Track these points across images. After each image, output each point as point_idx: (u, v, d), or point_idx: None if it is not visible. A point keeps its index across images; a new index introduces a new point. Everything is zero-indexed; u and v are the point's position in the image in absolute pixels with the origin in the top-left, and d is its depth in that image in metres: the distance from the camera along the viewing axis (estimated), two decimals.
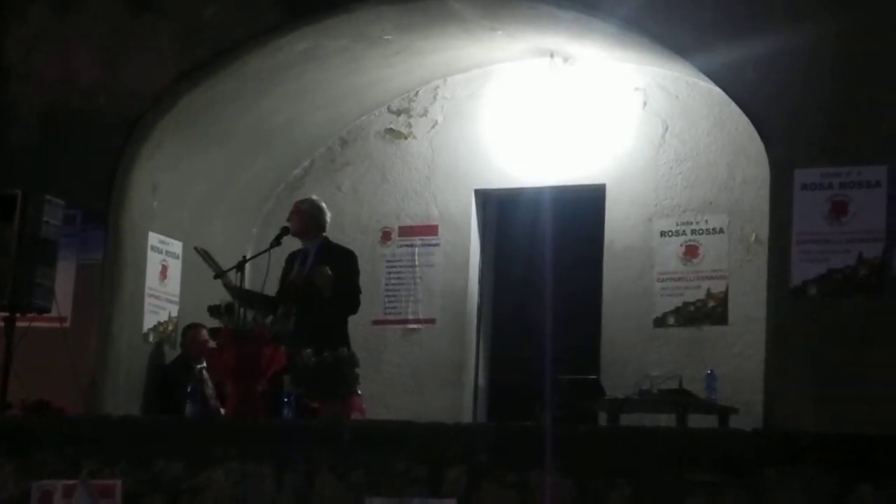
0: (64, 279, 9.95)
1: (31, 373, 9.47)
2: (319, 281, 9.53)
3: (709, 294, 10.90)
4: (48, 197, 9.37)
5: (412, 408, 10.74)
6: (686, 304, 10.94)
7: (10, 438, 7.83)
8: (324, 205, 10.03)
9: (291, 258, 9.89)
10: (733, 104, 9.78)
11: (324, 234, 9.95)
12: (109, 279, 10.55)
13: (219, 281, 9.17)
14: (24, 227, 9.19)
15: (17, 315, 9.21)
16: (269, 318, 8.46)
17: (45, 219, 9.31)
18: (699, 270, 10.95)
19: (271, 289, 9.72)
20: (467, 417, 11.26)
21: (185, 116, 10.85)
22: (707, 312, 10.88)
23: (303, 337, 8.73)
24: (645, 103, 11.33)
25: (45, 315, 9.41)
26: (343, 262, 9.81)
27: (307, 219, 9.90)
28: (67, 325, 10.01)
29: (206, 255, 9.24)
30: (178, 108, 10.75)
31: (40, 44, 10.96)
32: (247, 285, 9.38)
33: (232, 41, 10.54)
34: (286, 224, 9.83)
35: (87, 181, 10.51)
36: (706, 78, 9.91)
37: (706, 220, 11.00)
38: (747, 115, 9.57)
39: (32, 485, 7.46)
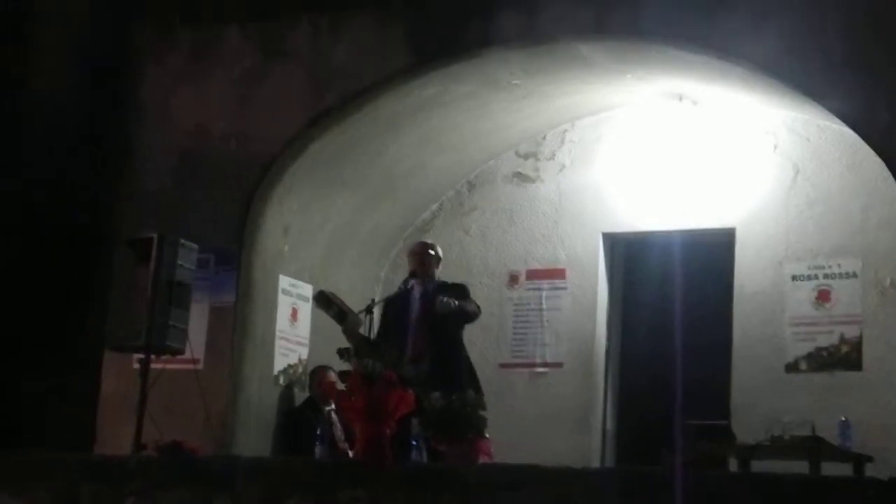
0: (197, 321, 10.07)
1: (165, 414, 9.62)
2: (440, 310, 9.57)
3: (842, 339, 10.73)
4: (183, 240, 9.51)
5: (539, 451, 10.62)
6: (818, 349, 10.78)
7: (143, 479, 7.95)
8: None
9: (391, 302, 9.95)
10: (866, 146, 9.64)
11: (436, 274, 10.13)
12: (241, 322, 10.67)
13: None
14: (159, 271, 9.32)
15: (152, 357, 9.34)
16: (398, 365, 8.50)
17: (179, 262, 9.44)
18: (832, 315, 10.79)
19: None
20: (595, 462, 11.19)
21: (316, 160, 10.97)
22: (840, 358, 10.71)
23: (431, 380, 8.76)
24: (775, 146, 11.23)
25: (179, 357, 9.53)
26: (461, 288, 10.05)
27: (434, 259, 10.06)
28: (200, 366, 10.14)
29: (329, 301, 9.26)
30: (308, 152, 10.88)
31: (176, 89, 11.16)
32: (375, 328, 9.43)
33: (361, 86, 10.65)
34: (414, 269, 9.92)
35: (220, 224, 10.66)
36: (838, 120, 9.79)
37: (839, 265, 10.85)
38: (881, 156, 9.43)
39: None
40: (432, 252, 10.11)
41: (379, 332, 9.70)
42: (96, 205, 10.94)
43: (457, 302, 9.69)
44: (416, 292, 9.92)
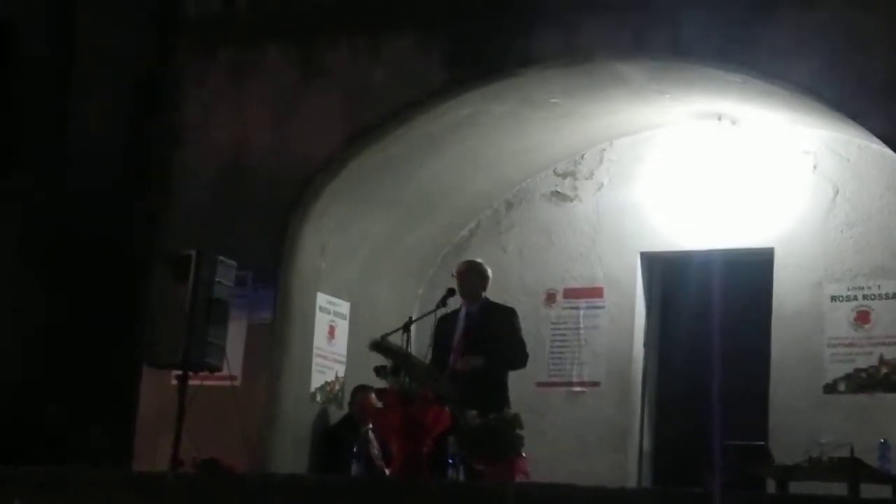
0: (235, 338, 10.08)
1: (202, 431, 9.65)
2: (462, 368, 9.49)
3: (881, 360, 10.67)
4: (221, 258, 9.53)
5: (576, 471, 10.65)
6: (857, 370, 10.72)
7: (181, 495, 7.97)
8: (489, 268, 10.09)
9: (443, 321, 9.89)
10: None
11: (484, 294, 9.99)
12: (279, 339, 10.70)
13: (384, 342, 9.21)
14: (197, 288, 9.34)
15: (190, 374, 9.37)
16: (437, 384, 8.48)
17: (218, 279, 9.45)
18: (871, 336, 10.74)
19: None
20: (632, 482, 11.16)
21: (354, 179, 11.01)
22: (880, 379, 10.65)
23: (467, 398, 8.75)
24: (815, 166, 11.19)
25: (217, 374, 9.54)
26: (506, 319, 9.88)
27: (479, 279, 9.96)
28: (238, 383, 10.17)
29: (386, 348, 9.21)
30: (346, 170, 10.91)
31: (215, 107, 11.23)
32: (412, 346, 9.43)
33: (399, 105, 10.68)
34: (451, 287, 9.86)
35: (259, 242, 10.70)
36: (878, 140, 9.75)
37: (878, 286, 10.79)
38: None
39: None
40: (476, 272, 9.99)
41: (432, 351, 9.67)
42: (137, 222, 11.01)
43: (481, 360, 9.52)
44: (462, 312, 9.89)
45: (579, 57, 10.23)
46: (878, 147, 10.33)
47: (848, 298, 10.88)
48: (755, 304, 11.20)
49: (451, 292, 9.68)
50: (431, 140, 11.05)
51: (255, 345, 10.60)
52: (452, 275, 10.10)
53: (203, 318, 9.33)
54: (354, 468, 8.83)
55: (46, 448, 10.04)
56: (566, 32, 10.19)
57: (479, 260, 10.25)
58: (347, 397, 11.09)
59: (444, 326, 9.86)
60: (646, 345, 11.66)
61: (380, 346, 9.00)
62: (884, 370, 10.66)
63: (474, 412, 8.41)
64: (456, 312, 9.90)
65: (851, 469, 8.93)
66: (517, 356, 9.85)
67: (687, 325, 11.47)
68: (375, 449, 10.44)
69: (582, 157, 11.96)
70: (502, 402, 9.24)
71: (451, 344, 9.77)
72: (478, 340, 9.67)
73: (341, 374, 11.22)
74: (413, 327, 9.38)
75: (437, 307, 9.54)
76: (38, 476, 8.43)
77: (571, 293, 11.78)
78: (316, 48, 10.98)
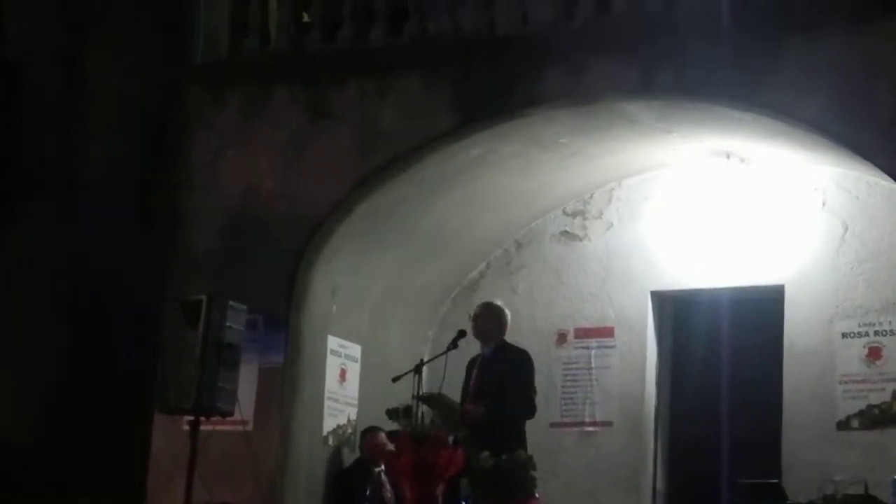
0: (246, 383, 10.07)
1: (214, 475, 9.65)
2: (467, 420, 9.43)
3: (894, 396, 10.64)
4: (231, 302, 9.53)
5: None
6: (870, 406, 10.70)
7: None
8: (507, 310, 10.03)
9: (472, 364, 9.85)
10: None
11: (503, 337, 9.95)
12: (290, 382, 10.69)
13: (397, 384, 9.19)
14: (208, 333, 9.34)
15: (202, 419, 9.36)
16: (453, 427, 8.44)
17: (228, 324, 9.45)
18: (883, 372, 10.71)
19: (448, 390, 9.70)
20: None
21: (363, 221, 11.02)
22: (893, 415, 10.61)
23: (480, 440, 8.73)
24: (824, 203, 11.19)
25: (228, 419, 9.53)
26: (518, 364, 9.73)
27: (494, 322, 9.86)
28: (250, 427, 10.17)
29: (437, 402, 9.21)
30: (355, 213, 10.93)
31: (224, 151, 11.25)
32: (424, 388, 9.42)
33: (408, 147, 10.70)
34: (462, 328, 9.82)
35: (269, 285, 10.70)
36: (887, 177, 9.75)
37: (889, 322, 10.78)
38: None
39: None
40: (492, 313, 9.87)
41: (463, 395, 9.63)
42: (146, 267, 11.02)
43: (482, 409, 9.34)
44: (480, 356, 9.85)
45: (586, 97, 10.26)
46: (887, 184, 10.34)
47: (859, 335, 10.87)
48: (766, 341, 11.18)
49: (461, 334, 9.64)
50: (440, 181, 11.06)
51: (266, 389, 10.59)
52: (469, 316, 10.06)
53: (214, 363, 9.33)
54: None
55: (60, 496, 10.02)
56: (573, 73, 10.22)
57: (498, 303, 10.09)
58: (359, 441, 11.06)
59: (470, 369, 9.81)
60: (657, 384, 11.64)
61: (430, 399, 9.02)
62: None
63: (487, 453, 8.39)
64: (481, 355, 9.85)
65: None
66: (522, 407, 9.61)
67: (698, 363, 11.45)
68: (388, 492, 10.42)
69: (591, 196, 11.97)
70: (517, 444, 9.15)
71: (469, 386, 9.72)
72: (490, 385, 9.56)
73: (353, 416, 11.20)
74: (425, 370, 9.37)
75: (448, 349, 9.51)
76: None
77: (582, 333, 11.77)
78: (324, 90, 11.02)
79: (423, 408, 8.85)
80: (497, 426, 9.34)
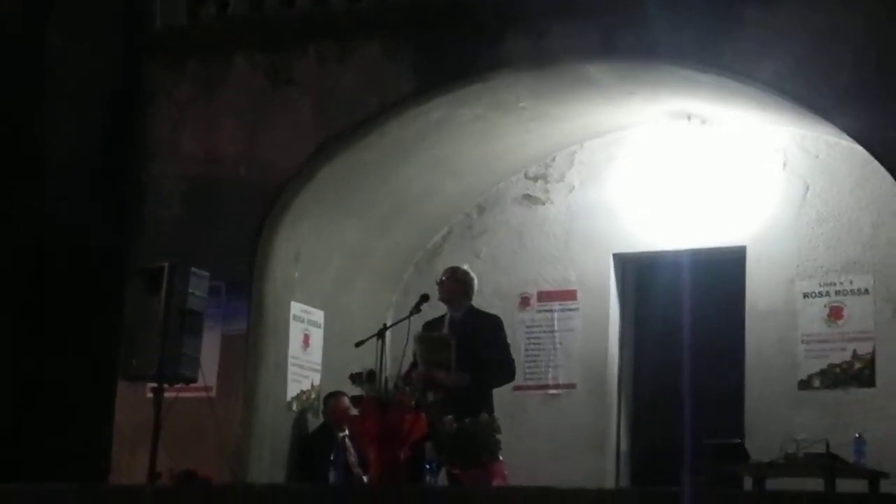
0: (210, 349, 10.04)
1: (179, 442, 9.65)
2: (454, 384, 9.44)
3: (855, 356, 10.71)
4: (194, 269, 9.51)
5: (554, 473, 10.66)
6: (832, 366, 10.77)
7: None
8: (473, 274, 10.04)
9: (429, 328, 9.87)
10: (876, 162, 9.65)
11: (470, 302, 9.95)
12: (253, 349, 10.69)
13: (360, 349, 9.18)
14: (170, 300, 9.32)
15: (165, 386, 9.34)
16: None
17: (191, 291, 9.44)
18: (844, 332, 10.78)
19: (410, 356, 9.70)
20: (610, 483, 11.18)
21: (325, 187, 11.00)
22: (854, 375, 10.69)
23: (449, 404, 8.73)
24: (785, 164, 11.24)
25: (192, 385, 9.51)
26: (494, 330, 9.77)
27: (461, 287, 9.87)
28: (213, 394, 10.16)
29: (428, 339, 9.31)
30: (317, 178, 10.91)
31: (185, 119, 11.21)
32: (387, 352, 9.43)
33: (369, 112, 10.69)
34: (425, 293, 9.81)
35: (231, 252, 10.68)
36: (847, 137, 9.80)
37: (850, 281, 10.84)
38: (891, 173, 9.43)
39: None
40: (457, 279, 9.87)
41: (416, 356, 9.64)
42: (108, 235, 10.98)
43: (466, 378, 9.36)
44: (447, 319, 9.84)
45: (547, 60, 10.25)
46: (847, 143, 10.39)
47: (820, 294, 10.93)
48: (728, 302, 11.23)
49: (424, 298, 9.64)
50: (402, 146, 11.05)
51: (229, 355, 10.58)
52: (437, 282, 10.05)
53: (177, 330, 9.31)
54: (332, 476, 8.79)
55: (23, 464, 10.00)
56: (534, 36, 10.21)
57: (465, 267, 10.11)
58: (322, 406, 11.08)
59: (430, 331, 9.76)
60: (620, 346, 11.68)
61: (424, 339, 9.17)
62: (857, 365, 10.71)
63: (450, 417, 8.41)
64: (441, 318, 9.84)
65: (827, 465, 8.96)
66: (505, 373, 9.74)
67: (661, 324, 11.49)
68: (353, 456, 10.44)
69: (553, 159, 11.97)
70: (484, 409, 9.17)
71: None
72: (464, 350, 9.53)
73: (317, 382, 11.21)
74: (388, 334, 9.37)
75: (411, 313, 9.50)
76: (15, 493, 8.39)
77: (545, 296, 11.79)
78: (284, 56, 10.97)
79: (390, 370, 8.84)
80: (467, 391, 9.38)
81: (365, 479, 9.75)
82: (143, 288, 9.49)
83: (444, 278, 9.94)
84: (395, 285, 12.14)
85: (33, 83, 11.22)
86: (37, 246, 10.98)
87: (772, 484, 9.05)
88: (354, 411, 8.81)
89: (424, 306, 9.62)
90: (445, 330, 9.72)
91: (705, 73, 9.99)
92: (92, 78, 11.33)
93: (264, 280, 10.81)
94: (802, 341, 10.91)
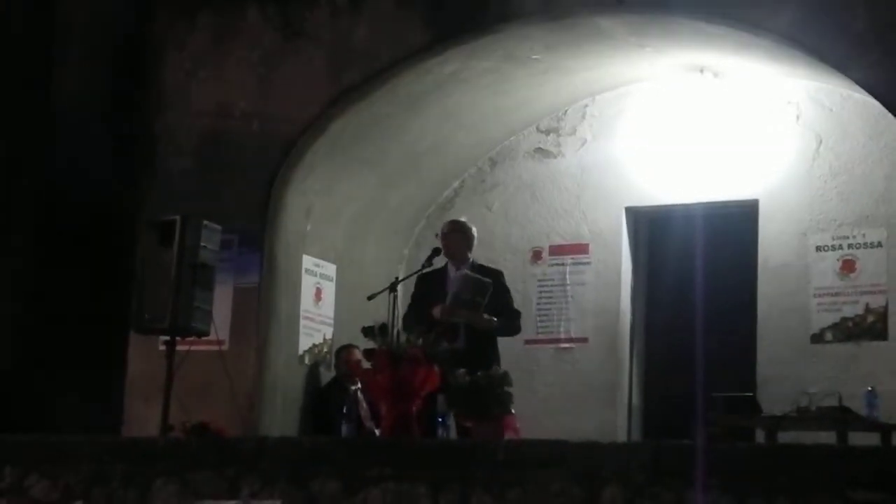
0: (222, 303, 10.07)
1: (191, 395, 9.67)
2: (481, 326, 9.46)
3: (867, 309, 10.70)
4: (206, 222, 9.49)
5: (566, 427, 10.68)
6: (844, 319, 10.76)
7: (171, 460, 7.99)
8: (473, 227, 10.02)
9: (424, 279, 9.75)
10: (889, 115, 9.59)
11: (469, 254, 9.94)
12: (265, 302, 10.70)
13: (372, 302, 9.19)
14: (182, 253, 9.32)
15: (177, 339, 9.36)
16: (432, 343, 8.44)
17: (203, 244, 9.42)
18: (857, 285, 10.76)
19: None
20: (622, 436, 11.20)
21: (337, 140, 10.99)
22: (866, 328, 10.68)
23: (456, 357, 8.74)
24: (798, 117, 11.19)
25: (204, 339, 9.53)
26: (500, 285, 9.72)
27: (465, 239, 9.82)
28: (225, 348, 10.19)
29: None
30: (330, 131, 10.89)
31: (197, 72, 11.19)
32: (399, 306, 9.43)
33: (381, 65, 10.65)
34: (437, 246, 9.79)
35: (243, 206, 10.69)
36: (861, 90, 9.74)
37: (863, 234, 10.81)
38: None
39: None
40: (461, 231, 9.81)
41: (408, 309, 9.63)
42: (120, 188, 10.98)
43: (496, 320, 9.48)
44: (451, 273, 9.80)
45: (560, 12, 10.19)
46: (860, 96, 10.33)
47: (833, 248, 10.91)
48: (741, 256, 11.22)
49: (436, 251, 9.63)
50: (414, 99, 11.02)
51: (241, 309, 10.60)
52: (436, 235, 10.04)
53: (189, 283, 9.31)
54: (344, 429, 8.81)
55: (36, 416, 10.04)
56: None
57: (463, 219, 10.08)
58: (334, 359, 11.10)
59: (425, 286, 9.76)
60: (633, 300, 11.68)
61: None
62: (870, 318, 10.70)
63: (463, 370, 8.42)
64: (439, 272, 9.79)
65: (839, 418, 8.98)
66: (513, 324, 9.76)
67: (673, 278, 11.48)
68: (364, 410, 10.46)
69: (565, 113, 11.94)
70: (493, 360, 9.21)
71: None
72: (469, 304, 9.51)
73: (329, 335, 11.23)
74: (400, 287, 9.37)
75: (423, 267, 9.50)
76: (28, 444, 8.44)
77: (557, 250, 11.79)
78: (296, 9, 10.93)
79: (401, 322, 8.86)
80: (474, 342, 9.40)
81: (377, 432, 9.77)
82: (155, 241, 9.49)
83: (445, 231, 9.90)
84: (407, 239, 12.14)
85: (44, 33, 11.19)
86: (45, 196, 10.98)
87: (784, 437, 9.07)
88: (367, 364, 8.81)
89: (436, 259, 9.61)
90: (451, 281, 9.67)
91: (718, 26, 9.92)
92: (103, 27, 11.29)
93: (276, 233, 10.81)
94: (815, 295, 10.90)
